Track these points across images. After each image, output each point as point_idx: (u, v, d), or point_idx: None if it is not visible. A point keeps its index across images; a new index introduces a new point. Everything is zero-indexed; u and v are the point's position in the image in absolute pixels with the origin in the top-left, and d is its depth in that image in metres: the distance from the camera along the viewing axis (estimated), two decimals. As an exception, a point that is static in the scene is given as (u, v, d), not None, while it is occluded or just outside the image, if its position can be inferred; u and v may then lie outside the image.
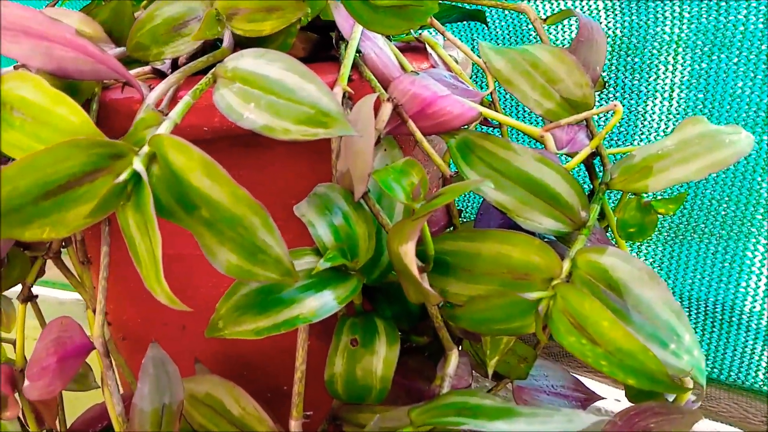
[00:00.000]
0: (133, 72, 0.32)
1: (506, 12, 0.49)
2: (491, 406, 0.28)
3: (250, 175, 0.34)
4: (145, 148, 0.24)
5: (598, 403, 0.44)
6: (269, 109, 0.26)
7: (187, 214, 0.24)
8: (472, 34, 0.52)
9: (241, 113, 0.26)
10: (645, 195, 0.33)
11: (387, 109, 0.30)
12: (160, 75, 0.33)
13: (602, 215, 0.36)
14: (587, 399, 0.41)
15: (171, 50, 0.29)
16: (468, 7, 0.47)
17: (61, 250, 0.33)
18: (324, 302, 0.27)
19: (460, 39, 0.52)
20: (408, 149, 0.33)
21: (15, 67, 0.29)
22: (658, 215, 0.32)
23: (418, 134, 0.30)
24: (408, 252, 0.26)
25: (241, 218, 0.23)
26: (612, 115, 0.32)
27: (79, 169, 0.24)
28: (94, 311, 0.32)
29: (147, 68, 0.32)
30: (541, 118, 0.35)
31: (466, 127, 0.33)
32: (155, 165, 0.24)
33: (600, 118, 0.41)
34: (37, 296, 0.33)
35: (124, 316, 0.41)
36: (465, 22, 0.52)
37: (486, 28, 0.50)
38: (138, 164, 0.23)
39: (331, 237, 0.29)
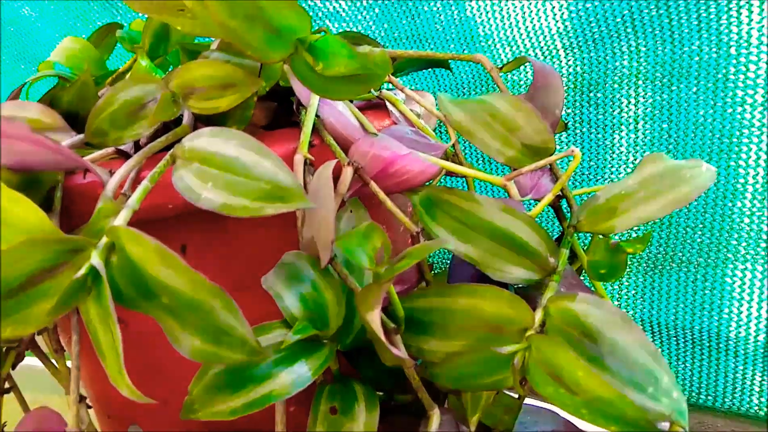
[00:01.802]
0: (97, 154, 0.32)
1: (469, 57, 0.50)
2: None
3: (219, 248, 0.34)
4: (103, 240, 0.24)
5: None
6: (227, 188, 0.26)
7: (148, 303, 0.24)
8: (438, 80, 0.52)
9: (200, 193, 0.26)
10: (613, 236, 0.33)
11: (348, 173, 0.30)
12: (124, 155, 0.33)
13: (575, 257, 0.36)
14: (581, 440, 0.41)
15: (130, 134, 0.30)
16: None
17: (35, 337, 0.33)
18: (297, 375, 0.27)
19: (425, 87, 0.53)
20: (373, 208, 0.33)
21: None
22: (627, 255, 0.32)
23: (381, 194, 0.31)
24: (374, 320, 0.26)
25: (201, 303, 0.23)
26: (572, 161, 0.32)
27: (38, 266, 0.24)
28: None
29: (110, 150, 0.33)
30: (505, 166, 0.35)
31: (429, 182, 0.33)
32: (114, 256, 0.24)
33: (565, 160, 0.42)
34: (12, 387, 0.33)
35: (108, 394, 0.41)
36: (430, 70, 0.53)
37: (451, 74, 0.51)
38: (95, 259, 0.23)
39: (300, 307, 0.29)
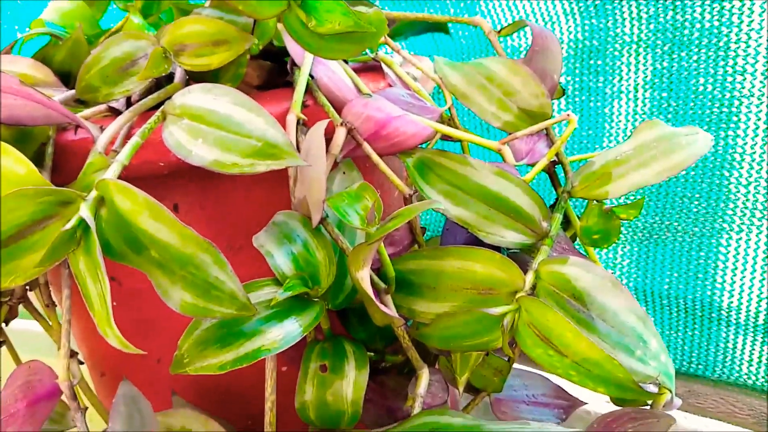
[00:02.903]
0: (88, 111, 0.32)
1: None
2: (460, 425, 0.28)
3: (212, 207, 0.34)
4: (93, 194, 0.24)
5: (588, 407, 0.44)
6: (218, 144, 0.26)
7: (137, 256, 0.24)
8: (437, 46, 0.52)
9: (190, 149, 0.26)
10: (607, 201, 0.33)
11: (341, 134, 0.30)
12: (116, 113, 0.33)
13: (569, 224, 0.36)
14: (570, 405, 0.41)
15: (120, 90, 0.29)
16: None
17: (28, 292, 0.33)
18: (287, 331, 0.27)
19: (424, 53, 0.52)
20: (367, 170, 0.33)
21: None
22: (620, 220, 0.32)
23: (375, 156, 0.30)
24: (364, 278, 0.26)
25: (191, 257, 0.23)
26: (567, 126, 0.32)
27: (28, 218, 0.24)
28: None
29: (103, 107, 0.32)
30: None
31: (425, 144, 0.33)
32: (104, 209, 0.24)
33: (562, 126, 0.41)
34: (3, 342, 0.33)
35: (101, 353, 0.41)
36: (430, 35, 0.52)
37: (450, 39, 0.51)
38: (84, 211, 0.23)
39: (291, 266, 0.29)
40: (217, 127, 0.26)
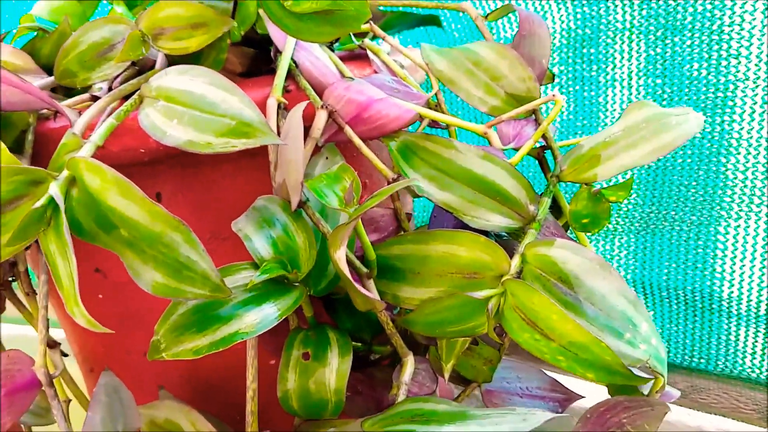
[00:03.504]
0: (71, 100, 0.32)
1: (461, 14, 0.49)
2: (444, 411, 0.27)
3: (196, 196, 0.34)
4: (64, 173, 0.24)
5: (584, 402, 0.43)
6: (192, 124, 0.26)
7: (107, 235, 0.24)
8: (430, 40, 0.51)
9: (165, 131, 0.26)
10: (597, 184, 0.32)
11: (322, 117, 0.30)
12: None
13: (560, 210, 0.35)
14: (566, 399, 0.40)
15: (98, 75, 0.29)
16: (419, 12, 0.47)
17: (11, 281, 0.33)
18: (264, 315, 0.27)
19: (416, 46, 0.52)
20: (354, 159, 0.33)
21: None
22: (610, 203, 0.31)
23: (356, 140, 0.30)
24: (341, 257, 0.25)
25: (160, 235, 0.23)
26: (554, 106, 0.31)
27: (-2, 198, 0.24)
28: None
29: (85, 96, 0.32)
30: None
31: (410, 129, 0.33)
32: (75, 189, 0.24)
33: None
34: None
35: (89, 348, 0.41)
36: (423, 29, 0.52)
37: (443, 33, 0.50)
38: (54, 189, 0.23)
39: (270, 249, 0.28)
40: (191, 107, 0.26)
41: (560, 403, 0.39)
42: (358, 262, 0.29)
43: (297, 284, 0.28)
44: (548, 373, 0.40)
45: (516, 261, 0.29)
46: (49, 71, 0.35)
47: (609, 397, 0.35)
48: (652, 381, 0.34)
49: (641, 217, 0.44)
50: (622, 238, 0.45)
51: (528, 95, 0.34)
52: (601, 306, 0.28)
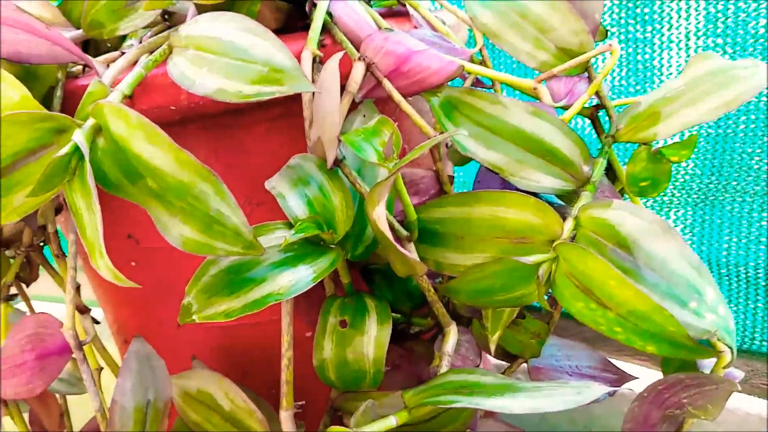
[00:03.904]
0: (101, 58, 0.31)
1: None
2: (491, 383, 0.25)
3: (228, 157, 0.33)
4: (90, 121, 0.23)
5: (637, 383, 0.41)
6: (222, 72, 0.24)
7: (133, 186, 0.22)
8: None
9: (194, 79, 0.25)
10: (655, 143, 0.30)
11: (359, 69, 0.28)
12: (129, 59, 0.31)
13: (614, 174, 0.33)
14: (618, 379, 0.37)
15: (126, 24, 0.28)
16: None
17: (42, 247, 0.32)
18: (299, 277, 0.25)
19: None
20: (390, 115, 0.31)
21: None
22: (671, 164, 0.29)
23: (396, 94, 0.28)
24: (380, 215, 0.24)
25: (189, 186, 0.22)
26: (610, 57, 0.29)
27: (23, 146, 0.23)
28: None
29: (116, 53, 0.31)
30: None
31: (451, 85, 0.31)
32: (100, 137, 0.23)
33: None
34: (16, 295, 0.32)
35: (122, 319, 0.40)
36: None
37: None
38: (78, 136, 0.22)
39: (305, 208, 0.27)
40: (221, 54, 0.24)
41: (612, 383, 0.37)
42: (398, 225, 0.27)
43: (333, 246, 0.27)
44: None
45: (569, 224, 0.27)
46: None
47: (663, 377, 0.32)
48: (715, 359, 0.31)
49: (699, 188, 0.41)
50: (678, 210, 0.42)
51: (580, 50, 0.31)
52: (662, 272, 0.26)
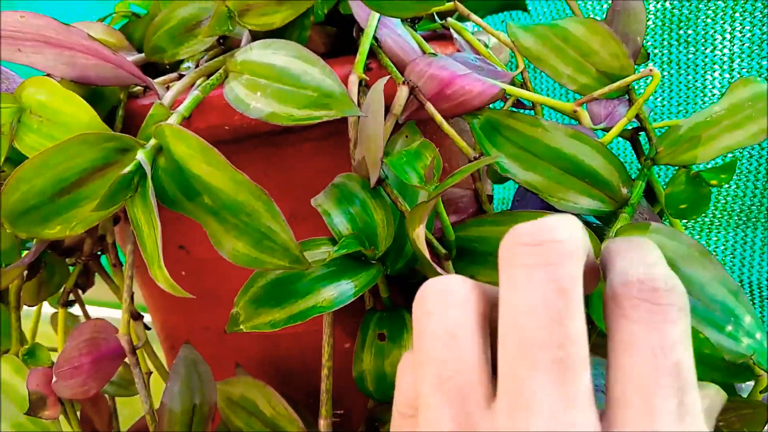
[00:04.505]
0: (160, 79, 0.33)
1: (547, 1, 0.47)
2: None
3: (278, 175, 0.34)
4: (152, 141, 0.24)
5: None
6: (275, 97, 0.26)
7: (191, 203, 0.24)
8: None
9: (249, 103, 0.26)
10: (695, 167, 0.30)
11: (403, 93, 0.29)
12: (185, 80, 0.33)
13: (654, 196, 0.33)
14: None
15: (186, 50, 0.30)
16: (505, -5, 0.46)
17: (100, 256, 0.34)
18: (340, 291, 0.26)
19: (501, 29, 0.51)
20: (432, 136, 0.32)
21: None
22: (711, 188, 0.29)
23: (438, 116, 0.29)
24: (419, 235, 0.25)
25: (243, 204, 0.23)
26: (650, 82, 0.29)
27: (90, 164, 0.24)
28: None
29: (174, 75, 0.33)
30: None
31: (492, 107, 0.32)
32: (161, 157, 0.24)
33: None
34: (75, 301, 0.34)
35: (170, 325, 0.42)
36: (507, 13, 0.50)
37: (528, 17, 0.49)
38: (141, 155, 0.23)
39: (348, 225, 0.28)
40: (274, 80, 0.26)
41: None
42: (436, 243, 0.28)
43: (374, 262, 0.28)
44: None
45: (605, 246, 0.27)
46: (141, 52, 0.36)
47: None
48: (753, 382, 0.31)
49: (741, 210, 0.41)
50: (719, 232, 0.42)
51: (621, 73, 0.32)
52: (699, 296, 0.26)
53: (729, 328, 0.25)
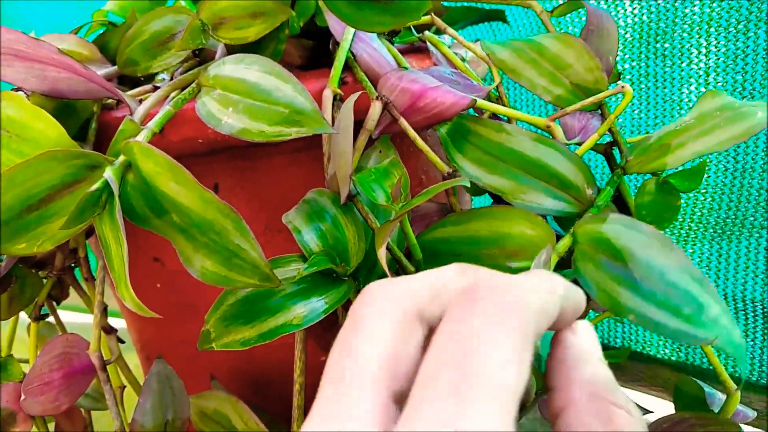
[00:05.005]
0: (134, 91, 0.32)
1: (527, 11, 0.48)
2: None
3: (252, 188, 0.34)
4: (120, 158, 0.24)
5: (651, 417, 0.41)
6: (246, 112, 0.26)
7: (159, 220, 0.24)
8: (495, 36, 0.50)
9: (220, 119, 0.26)
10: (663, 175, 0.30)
11: (376, 108, 0.29)
12: (160, 92, 0.33)
13: (625, 206, 0.33)
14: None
15: (159, 63, 0.30)
16: (485, 6, 0.46)
17: (74, 268, 0.34)
18: (311, 308, 0.26)
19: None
20: (411, 155, 0.32)
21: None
22: (680, 195, 0.29)
23: (411, 131, 0.29)
24: (381, 256, 0.24)
25: (212, 222, 0.23)
26: (623, 99, 0.29)
27: (58, 180, 0.24)
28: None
29: (148, 87, 0.33)
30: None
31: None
32: (130, 173, 0.24)
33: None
34: (47, 315, 0.34)
35: (147, 337, 0.41)
36: (487, 26, 0.51)
37: (509, 29, 0.49)
38: (108, 173, 0.23)
39: (318, 242, 0.28)
40: (246, 95, 0.26)
41: None
42: (405, 260, 0.28)
43: (346, 278, 0.28)
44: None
45: (566, 240, 0.27)
46: (116, 62, 0.36)
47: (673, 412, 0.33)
48: (724, 398, 0.31)
49: (716, 223, 0.41)
50: (694, 244, 0.42)
51: (595, 86, 0.32)
52: (657, 283, 0.24)
53: (687, 310, 0.24)
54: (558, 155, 0.28)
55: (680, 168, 0.29)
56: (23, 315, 0.38)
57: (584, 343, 0.19)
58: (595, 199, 0.28)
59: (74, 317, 0.56)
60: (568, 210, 0.28)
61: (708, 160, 0.41)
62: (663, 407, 0.46)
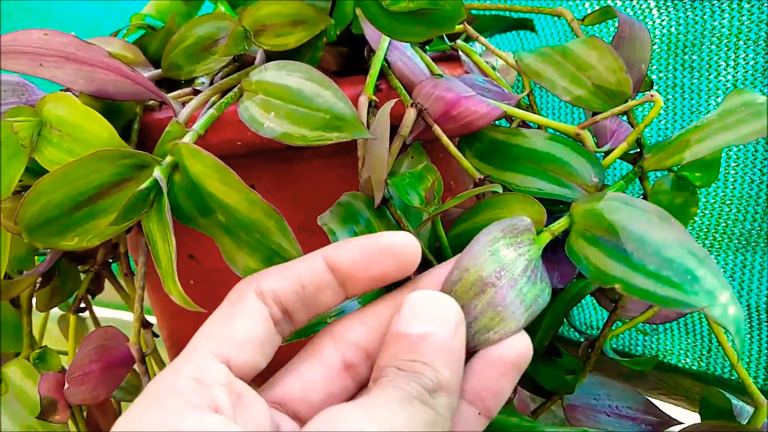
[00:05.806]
0: (175, 93, 0.33)
1: (555, 19, 0.48)
2: (513, 424, 0.26)
3: (289, 189, 0.35)
4: (168, 158, 0.25)
5: (674, 429, 0.40)
6: (288, 117, 0.26)
7: (205, 219, 0.25)
8: (523, 44, 0.51)
9: (262, 123, 0.27)
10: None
11: (411, 115, 0.30)
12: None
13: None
14: (661, 423, 0.36)
15: (202, 68, 0.31)
16: (513, 15, 0.47)
17: (111, 263, 0.35)
18: (344, 306, 0.27)
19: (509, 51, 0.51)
20: (438, 156, 0.32)
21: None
22: (696, 189, 0.29)
23: (444, 138, 0.30)
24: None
25: (256, 222, 0.24)
26: (652, 108, 0.30)
27: (107, 179, 0.25)
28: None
29: (188, 89, 0.34)
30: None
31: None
32: (177, 173, 0.25)
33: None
34: (86, 308, 0.35)
35: (178, 334, 0.42)
36: (515, 33, 0.51)
37: (536, 37, 0.49)
38: (157, 173, 0.24)
39: (354, 244, 0.28)
40: (288, 101, 0.27)
41: (654, 427, 0.36)
42: (435, 262, 0.29)
43: (379, 280, 0.28)
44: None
45: (562, 220, 0.27)
46: (156, 65, 0.37)
47: (699, 422, 0.33)
48: (751, 410, 0.31)
49: (741, 234, 0.41)
50: (719, 255, 0.42)
51: (618, 88, 0.32)
52: (652, 257, 0.24)
53: (677, 279, 0.23)
54: (565, 148, 0.29)
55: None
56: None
57: None
58: (603, 188, 0.29)
59: (102, 312, 0.57)
60: (569, 195, 0.28)
61: (734, 172, 0.41)
62: (683, 416, 0.46)
